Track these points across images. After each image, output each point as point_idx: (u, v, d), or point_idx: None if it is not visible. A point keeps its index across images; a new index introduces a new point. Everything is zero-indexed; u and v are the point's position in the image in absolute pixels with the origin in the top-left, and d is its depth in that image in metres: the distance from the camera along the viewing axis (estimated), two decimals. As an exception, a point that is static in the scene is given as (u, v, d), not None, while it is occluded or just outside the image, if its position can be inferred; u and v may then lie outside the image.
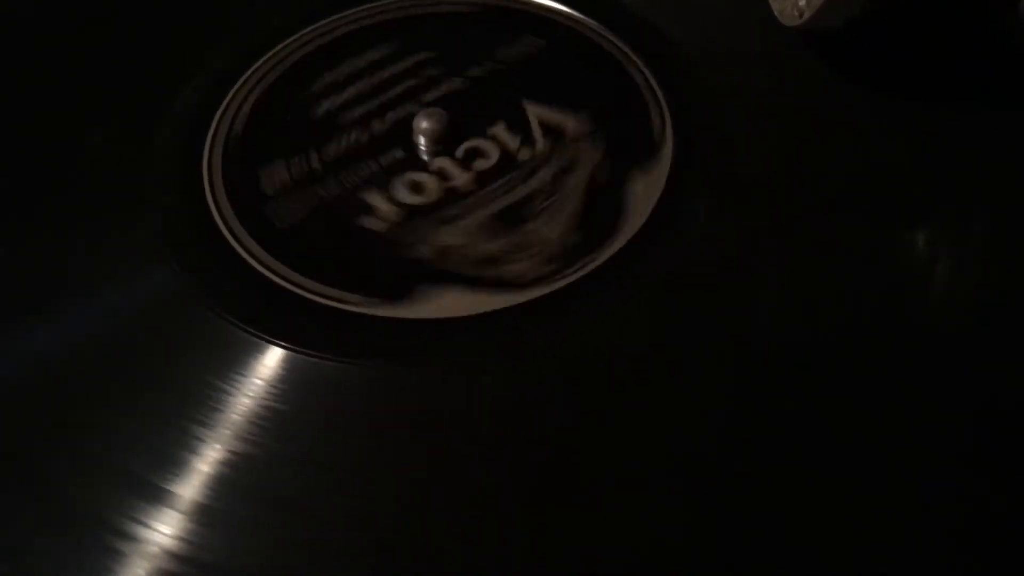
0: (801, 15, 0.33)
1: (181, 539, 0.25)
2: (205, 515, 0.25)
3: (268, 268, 0.30)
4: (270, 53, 0.37)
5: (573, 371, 0.28)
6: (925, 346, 0.28)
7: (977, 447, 0.26)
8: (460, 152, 0.33)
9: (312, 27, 0.37)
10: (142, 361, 0.29)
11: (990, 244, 0.30)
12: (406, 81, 0.35)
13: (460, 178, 0.32)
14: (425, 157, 0.33)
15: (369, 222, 0.31)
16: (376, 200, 0.32)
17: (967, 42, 0.34)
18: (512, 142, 0.33)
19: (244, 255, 0.30)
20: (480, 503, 0.26)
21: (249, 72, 0.36)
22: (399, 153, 0.33)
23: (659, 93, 0.34)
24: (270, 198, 0.32)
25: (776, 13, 0.35)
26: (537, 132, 0.33)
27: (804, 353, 0.28)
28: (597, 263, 0.30)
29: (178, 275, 0.30)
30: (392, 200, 0.32)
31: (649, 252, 0.30)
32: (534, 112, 0.34)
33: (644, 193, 0.31)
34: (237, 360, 0.28)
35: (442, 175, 0.32)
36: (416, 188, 0.32)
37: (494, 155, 0.33)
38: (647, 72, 0.35)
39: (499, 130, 0.34)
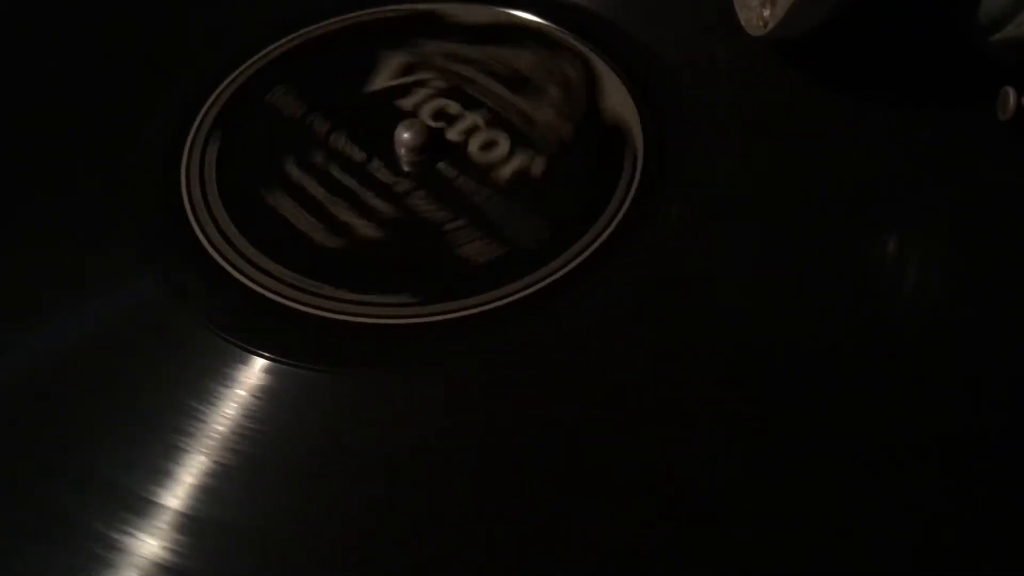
0: (766, 25, 0.34)
1: (167, 549, 0.25)
2: (190, 525, 0.26)
3: (250, 278, 0.30)
4: (248, 63, 0.37)
5: (564, 375, 0.28)
6: (907, 346, 0.28)
7: (966, 445, 0.26)
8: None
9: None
10: (126, 372, 0.29)
11: (958, 242, 0.31)
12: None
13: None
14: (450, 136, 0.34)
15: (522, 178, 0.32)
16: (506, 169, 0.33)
17: (929, 46, 0.35)
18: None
19: (226, 266, 0.30)
20: (467, 510, 0.26)
21: (225, 83, 0.36)
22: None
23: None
24: (255, 206, 0.32)
25: (743, 23, 0.36)
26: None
27: (790, 356, 0.28)
28: (571, 267, 0.30)
29: (161, 286, 0.30)
30: (502, 163, 0.33)
31: (623, 257, 0.30)
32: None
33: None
34: (221, 370, 0.28)
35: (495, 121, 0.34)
36: (490, 146, 0.33)
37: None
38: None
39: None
